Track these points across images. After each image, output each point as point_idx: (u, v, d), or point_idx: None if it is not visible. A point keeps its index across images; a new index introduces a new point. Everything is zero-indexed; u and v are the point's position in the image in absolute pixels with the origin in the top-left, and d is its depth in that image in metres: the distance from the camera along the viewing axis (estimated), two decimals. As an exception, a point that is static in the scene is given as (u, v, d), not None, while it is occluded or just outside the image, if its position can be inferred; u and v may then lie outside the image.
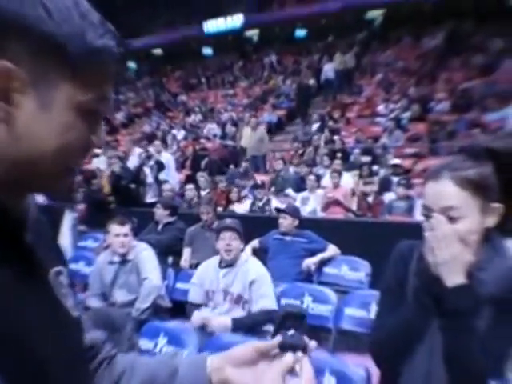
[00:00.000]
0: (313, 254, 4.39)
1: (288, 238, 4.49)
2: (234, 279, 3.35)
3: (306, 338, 0.87)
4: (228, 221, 3.61)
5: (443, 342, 1.23)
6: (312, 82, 16.02)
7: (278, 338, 0.87)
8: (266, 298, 3.29)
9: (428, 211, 1.30)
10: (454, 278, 1.20)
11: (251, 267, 3.42)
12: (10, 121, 0.60)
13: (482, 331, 1.19)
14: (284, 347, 0.86)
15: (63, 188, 0.71)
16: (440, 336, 1.24)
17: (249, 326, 3.19)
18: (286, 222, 4.52)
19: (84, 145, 0.68)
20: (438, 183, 1.27)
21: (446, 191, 1.25)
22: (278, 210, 4.67)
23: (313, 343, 0.86)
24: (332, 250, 4.42)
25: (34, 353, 0.61)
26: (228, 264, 3.43)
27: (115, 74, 0.69)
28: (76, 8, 0.62)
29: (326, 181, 7.80)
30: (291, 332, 0.88)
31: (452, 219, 1.24)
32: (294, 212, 4.68)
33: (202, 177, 8.64)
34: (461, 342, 1.19)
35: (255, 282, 3.30)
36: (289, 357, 0.84)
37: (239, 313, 3.29)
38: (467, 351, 1.18)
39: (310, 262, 4.31)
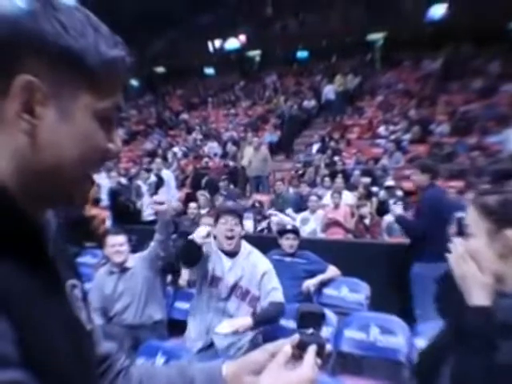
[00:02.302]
0: (313, 275, 4.36)
1: (288, 259, 4.45)
2: (242, 273, 3.22)
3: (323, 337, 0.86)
4: (229, 203, 3.41)
5: (453, 362, 1.23)
6: (313, 103, 16.12)
7: (296, 337, 0.86)
8: (276, 290, 3.22)
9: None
10: (473, 298, 1.22)
11: (258, 260, 3.32)
12: (33, 133, 0.62)
13: (497, 362, 1.17)
14: (303, 346, 0.84)
15: (82, 197, 0.73)
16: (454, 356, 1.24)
17: (266, 321, 3.13)
18: (292, 243, 4.49)
19: (102, 152, 0.70)
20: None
21: (469, 211, 1.35)
22: (284, 231, 4.65)
23: (328, 345, 0.86)
24: (332, 271, 4.40)
25: (58, 363, 0.62)
26: (230, 253, 3.29)
27: (127, 82, 0.71)
28: (88, 22, 0.66)
29: (326, 201, 7.81)
30: (310, 331, 0.88)
31: (467, 235, 1.32)
32: (298, 232, 4.67)
33: (203, 195, 8.63)
34: (470, 364, 1.18)
35: (266, 274, 3.23)
36: (287, 348, 0.83)
37: (246, 309, 3.20)
38: (473, 375, 1.18)
39: (310, 284, 4.27)
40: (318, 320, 0.91)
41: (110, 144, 0.71)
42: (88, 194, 0.74)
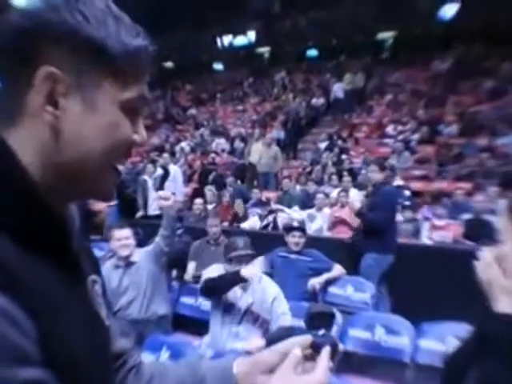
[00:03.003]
0: (318, 273, 4.36)
1: (293, 257, 4.46)
2: (253, 298, 3.30)
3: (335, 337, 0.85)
4: (240, 245, 3.41)
5: (479, 371, 1.21)
6: (322, 101, 16.08)
7: (309, 338, 0.85)
8: (285, 315, 3.27)
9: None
10: (498, 304, 1.18)
11: (268, 285, 3.39)
12: (57, 125, 0.62)
13: None
14: (316, 347, 0.83)
15: (107, 189, 0.72)
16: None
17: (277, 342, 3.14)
18: (298, 240, 4.49)
19: (128, 143, 0.70)
20: None
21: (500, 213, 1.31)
22: (291, 228, 4.64)
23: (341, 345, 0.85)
24: (338, 269, 4.40)
25: (77, 361, 0.61)
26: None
27: (150, 72, 0.72)
28: (109, 12, 0.65)
29: (333, 199, 7.80)
30: (322, 331, 0.86)
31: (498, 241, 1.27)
32: (305, 229, 4.66)
33: (210, 190, 8.66)
34: (497, 373, 1.16)
35: (276, 299, 3.28)
36: (297, 351, 0.81)
37: (257, 333, 3.25)
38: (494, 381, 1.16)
39: (316, 282, 4.28)
40: (328, 320, 0.90)
41: (135, 135, 0.71)
42: (114, 187, 0.74)
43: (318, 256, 4.45)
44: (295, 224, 4.66)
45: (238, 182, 10.67)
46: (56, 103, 0.61)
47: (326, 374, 0.78)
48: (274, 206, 7.50)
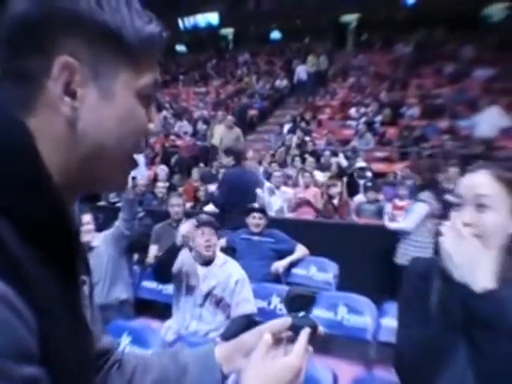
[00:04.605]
0: (281, 254, 4.36)
1: (255, 238, 4.42)
2: (217, 281, 3.27)
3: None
4: (204, 216, 3.53)
5: (476, 352, 1.18)
6: (285, 82, 16.07)
7: (288, 320, 0.86)
8: (247, 301, 3.27)
9: (460, 199, 1.30)
10: (479, 281, 1.15)
11: (232, 269, 3.37)
12: (74, 116, 0.61)
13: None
14: (296, 329, 0.83)
15: (124, 180, 0.72)
16: (472, 348, 1.19)
17: (235, 334, 3.12)
18: (258, 222, 4.46)
19: (144, 132, 0.70)
20: (475, 174, 1.30)
21: (482, 180, 1.27)
22: (251, 210, 4.61)
23: (321, 326, 0.86)
24: (301, 250, 4.38)
25: (68, 362, 0.59)
26: (206, 262, 3.35)
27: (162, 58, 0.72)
28: None
29: (294, 179, 7.86)
30: (301, 313, 0.89)
31: (481, 208, 1.24)
32: (265, 211, 4.63)
33: (163, 170, 8.88)
34: (495, 351, 1.14)
35: (238, 282, 3.27)
36: (268, 336, 0.81)
37: (220, 317, 3.24)
38: (501, 360, 1.13)
39: (279, 266, 4.26)
40: (308, 302, 0.90)
41: (150, 123, 0.70)
42: (129, 176, 0.73)
43: (281, 237, 4.42)
44: (255, 205, 4.62)
45: (201, 164, 10.56)
46: (73, 93, 0.60)
47: (300, 357, 0.78)
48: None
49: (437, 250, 1.27)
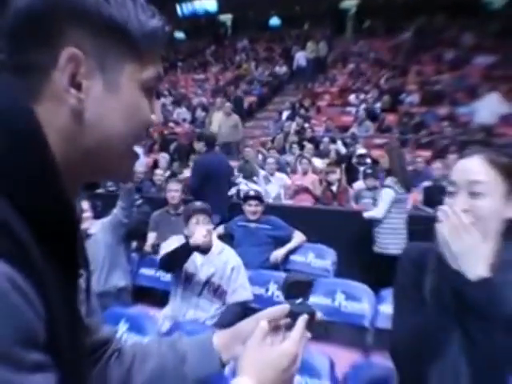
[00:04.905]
0: (278, 240, 4.37)
1: (253, 225, 4.42)
2: (215, 269, 3.25)
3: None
4: (198, 203, 3.49)
5: (469, 340, 1.18)
6: (284, 69, 16.00)
7: (286, 307, 0.87)
8: (244, 288, 3.27)
9: (454, 186, 1.28)
10: (474, 270, 1.15)
11: (230, 256, 3.36)
12: (80, 107, 0.61)
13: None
14: (293, 316, 0.84)
15: (127, 172, 0.73)
16: (464, 336, 1.19)
17: (230, 321, 3.12)
18: (254, 209, 4.45)
19: (147, 124, 0.70)
20: (469, 160, 1.28)
21: (475, 166, 1.25)
22: (247, 197, 4.59)
23: (319, 312, 0.86)
24: (298, 237, 4.38)
25: (66, 351, 0.59)
26: (203, 250, 3.30)
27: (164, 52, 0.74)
28: None
29: (292, 166, 7.84)
30: (299, 300, 0.90)
31: (476, 194, 1.23)
32: (262, 198, 4.62)
33: (164, 158, 8.87)
34: (487, 339, 1.14)
35: (234, 269, 3.26)
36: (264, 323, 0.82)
37: (217, 305, 3.23)
38: (493, 348, 1.13)
39: (279, 255, 4.28)
40: (305, 289, 0.90)
41: (152, 115, 0.71)
42: (133, 169, 0.74)
43: (278, 223, 4.42)
44: (251, 193, 4.60)
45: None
46: (79, 85, 0.61)
47: (297, 344, 0.80)
48: (236, 178, 7.42)
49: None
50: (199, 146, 5.81)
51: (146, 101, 0.68)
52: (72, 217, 0.62)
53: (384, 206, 4.50)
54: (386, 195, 4.51)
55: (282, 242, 4.37)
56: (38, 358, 0.50)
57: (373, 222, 4.66)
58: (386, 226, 4.54)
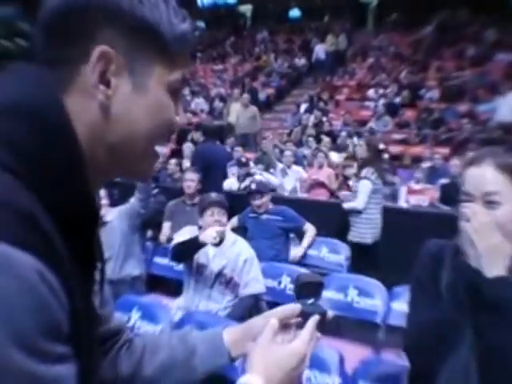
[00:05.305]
0: (289, 232, 4.41)
1: (264, 217, 4.40)
2: (227, 261, 3.23)
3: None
4: (214, 195, 3.44)
5: (480, 339, 1.17)
6: (303, 61, 15.90)
7: (298, 307, 0.86)
8: (256, 281, 3.24)
9: (468, 197, 1.28)
10: (494, 269, 1.15)
11: (242, 248, 3.32)
12: (107, 104, 0.63)
13: None
14: (305, 316, 0.84)
15: (149, 170, 0.74)
16: (475, 335, 1.19)
17: (242, 313, 3.12)
18: (258, 202, 4.42)
19: (171, 125, 0.71)
20: (480, 168, 1.27)
21: (488, 176, 1.24)
22: (251, 192, 4.53)
23: (330, 312, 0.88)
24: (311, 230, 4.36)
25: (86, 339, 0.61)
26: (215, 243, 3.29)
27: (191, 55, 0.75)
28: None
29: (309, 159, 7.83)
30: (310, 300, 0.88)
31: (491, 204, 1.22)
32: (264, 189, 4.58)
33: (188, 147, 8.61)
34: (499, 338, 1.13)
35: (247, 261, 3.23)
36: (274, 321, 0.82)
37: (229, 297, 3.22)
38: (504, 348, 1.13)
39: (297, 255, 4.33)
40: (317, 289, 0.91)
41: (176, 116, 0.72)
42: (153, 168, 0.76)
43: (289, 214, 4.40)
44: (253, 187, 4.57)
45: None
46: (108, 82, 0.62)
47: (305, 344, 0.79)
48: (251, 169, 7.41)
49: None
50: (197, 135, 5.75)
51: (171, 102, 0.69)
52: (93, 212, 0.63)
53: (363, 198, 4.66)
54: (364, 186, 4.69)
55: (293, 233, 4.43)
56: (62, 350, 0.51)
57: (350, 212, 4.80)
58: (364, 216, 4.69)
